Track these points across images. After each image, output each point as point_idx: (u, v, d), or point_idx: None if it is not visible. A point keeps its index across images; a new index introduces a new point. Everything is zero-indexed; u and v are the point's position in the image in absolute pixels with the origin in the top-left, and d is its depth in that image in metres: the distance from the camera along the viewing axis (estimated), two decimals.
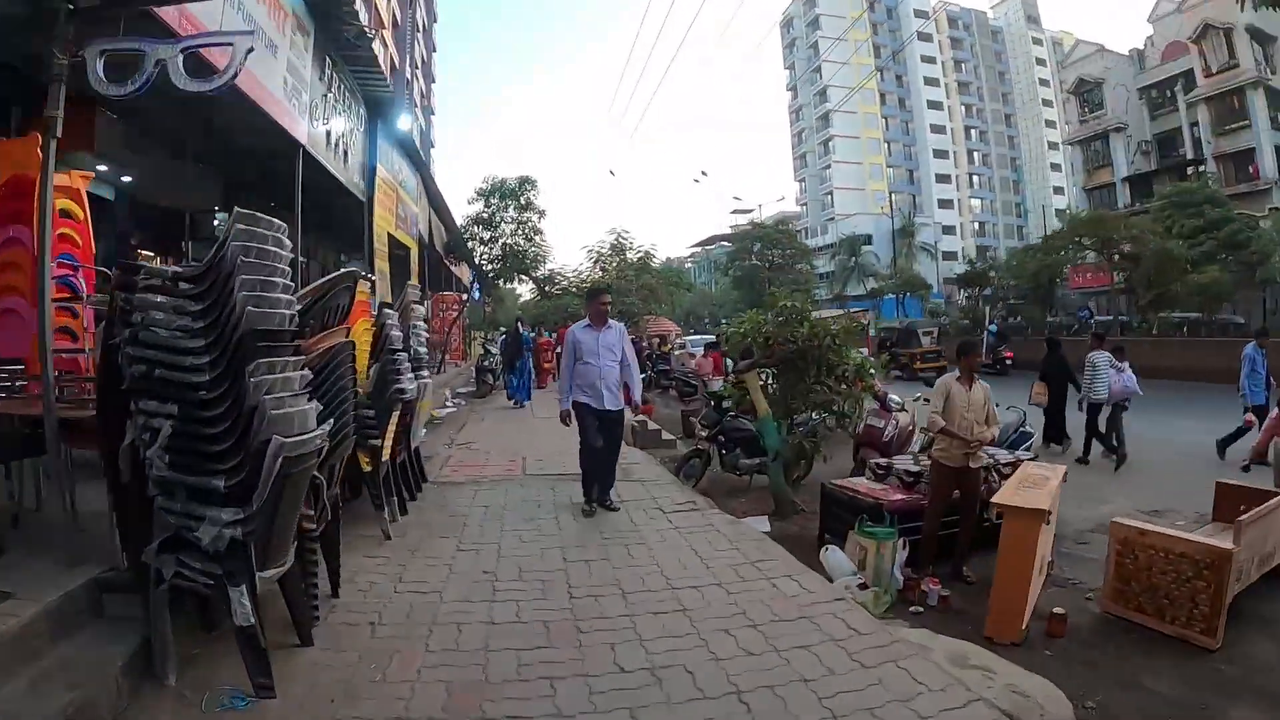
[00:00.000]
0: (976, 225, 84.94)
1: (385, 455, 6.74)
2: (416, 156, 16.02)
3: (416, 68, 56.78)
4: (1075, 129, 56.50)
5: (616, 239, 29.11)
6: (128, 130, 10.59)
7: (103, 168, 10.78)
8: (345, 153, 11.15)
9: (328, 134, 10.28)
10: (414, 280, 15.02)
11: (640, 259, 29.06)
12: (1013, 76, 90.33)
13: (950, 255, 74.93)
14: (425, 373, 8.37)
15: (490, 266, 21.93)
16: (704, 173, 54.77)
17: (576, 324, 7.98)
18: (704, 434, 11.04)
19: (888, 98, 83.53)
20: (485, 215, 21.12)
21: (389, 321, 7.04)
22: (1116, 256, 30.30)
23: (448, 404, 17.48)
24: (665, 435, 14.86)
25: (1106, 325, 31.28)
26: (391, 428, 6.86)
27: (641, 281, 28.24)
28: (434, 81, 66.96)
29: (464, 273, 25.02)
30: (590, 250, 29.46)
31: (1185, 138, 47.49)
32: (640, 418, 14.83)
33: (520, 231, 21.25)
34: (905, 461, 8.47)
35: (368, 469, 6.47)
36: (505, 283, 27.65)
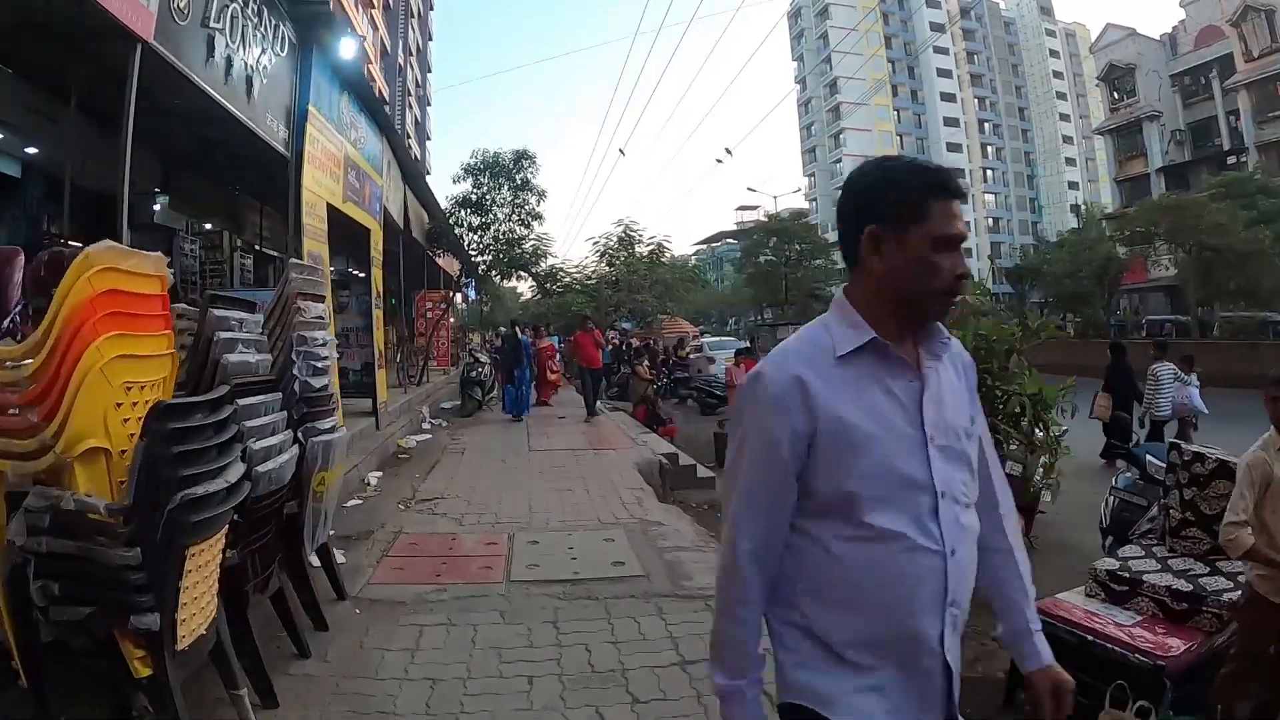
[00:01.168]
0: (990, 221, 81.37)
1: (192, 632, 3.06)
2: (380, 114, 12.34)
3: (411, 54, 53.25)
4: (1106, 117, 52.90)
5: (624, 231, 25.46)
6: (31, 90, 8.91)
7: None
8: (249, 81, 7.49)
9: (210, 43, 6.62)
10: (376, 269, 11.48)
11: (652, 251, 25.40)
12: (1026, 69, 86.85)
13: (965, 252, 71.23)
14: (329, 422, 4.71)
15: (481, 259, 18.15)
16: (728, 150, 51.32)
17: (798, 335, 1.67)
18: None
19: (899, 90, 79.89)
20: (474, 197, 17.35)
21: (224, 336, 3.39)
22: (1192, 248, 26.53)
23: (425, 426, 13.81)
24: (701, 470, 11.34)
25: (1159, 327, 28.01)
26: (209, 566, 3.18)
27: (656, 276, 24.57)
28: (430, 71, 63.58)
29: (451, 265, 21.22)
30: (596, 242, 25.83)
31: (1221, 126, 44.18)
32: (665, 451, 11.29)
33: (516, 215, 17.46)
34: (1141, 562, 4.82)
35: (145, 674, 2.82)
36: (502, 280, 23.97)
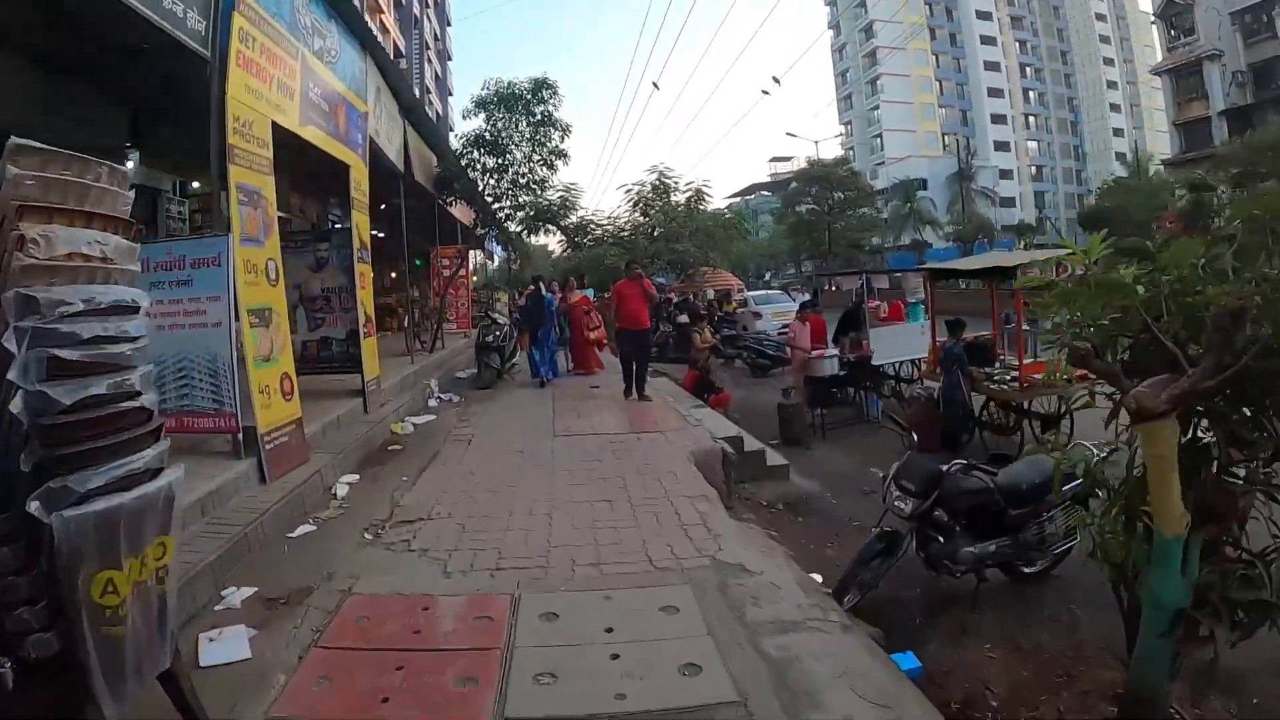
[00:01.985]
0: (1034, 169, 77.33)
1: None
2: (359, 25, 9.82)
3: (427, 6, 50.47)
4: (1163, 57, 48.90)
5: (658, 178, 22.77)
6: None
7: None
8: None
9: None
10: (359, 214, 9.16)
11: (690, 198, 22.70)
12: (1067, 11, 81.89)
13: (1008, 201, 67.93)
14: (120, 466, 2.31)
15: (500, 206, 15.56)
16: (776, 79, 47.86)
17: None
18: (904, 505, 5.50)
19: (938, 33, 75.57)
20: (488, 135, 14.77)
21: None
22: None
23: (431, 402, 11.47)
24: (771, 457, 9.01)
25: None
26: None
27: (697, 224, 21.89)
28: (449, 25, 60.75)
29: (466, 215, 18.50)
30: (629, 189, 23.14)
31: None
32: (726, 433, 8.91)
33: (537, 155, 14.85)
34: None
35: None
36: (529, 235, 21.59)
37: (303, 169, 14.43)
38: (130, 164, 12.56)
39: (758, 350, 17.49)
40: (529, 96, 14.49)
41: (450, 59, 58.96)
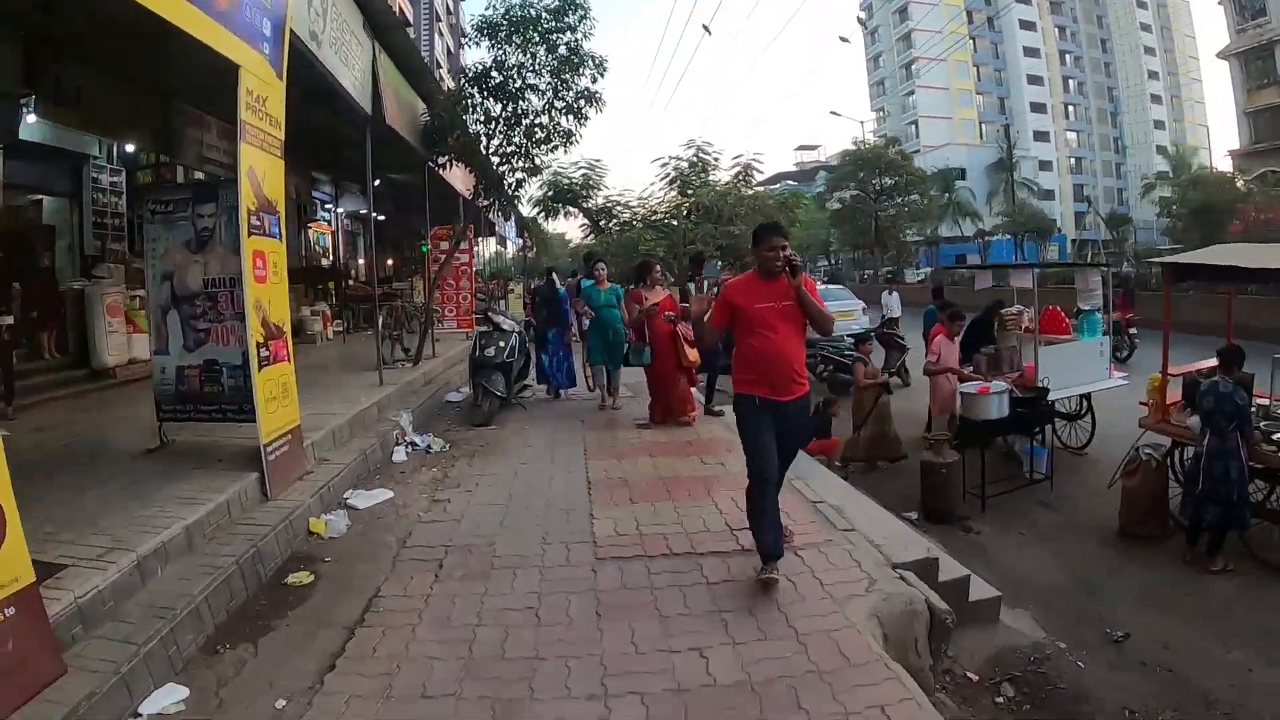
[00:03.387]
0: (1073, 161, 72.94)
1: None
2: None
3: None
4: (1232, 40, 44.54)
5: (696, 153, 18.52)
6: None
7: None
8: None
9: None
10: (251, 149, 5.22)
11: (739, 173, 18.45)
12: None
13: (1047, 194, 63.65)
14: None
15: (509, 168, 11.23)
16: (861, 20, 43.04)
17: None
18: None
19: (975, 16, 71.18)
20: (496, 73, 10.66)
21: None
22: None
23: (397, 457, 7.46)
24: (976, 587, 5.04)
25: None
26: None
27: (754, 203, 17.60)
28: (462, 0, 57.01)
29: (467, 182, 14.09)
30: (665, 162, 18.83)
31: None
32: (907, 552, 4.90)
33: (560, 101, 10.61)
34: None
35: None
36: (548, 217, 17.76)
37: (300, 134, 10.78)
38: (30, 116, 9.22)
39: (837, 361, 13.40)
40: (551, 21, 10.35)
41: (464, 35, 54.99)
